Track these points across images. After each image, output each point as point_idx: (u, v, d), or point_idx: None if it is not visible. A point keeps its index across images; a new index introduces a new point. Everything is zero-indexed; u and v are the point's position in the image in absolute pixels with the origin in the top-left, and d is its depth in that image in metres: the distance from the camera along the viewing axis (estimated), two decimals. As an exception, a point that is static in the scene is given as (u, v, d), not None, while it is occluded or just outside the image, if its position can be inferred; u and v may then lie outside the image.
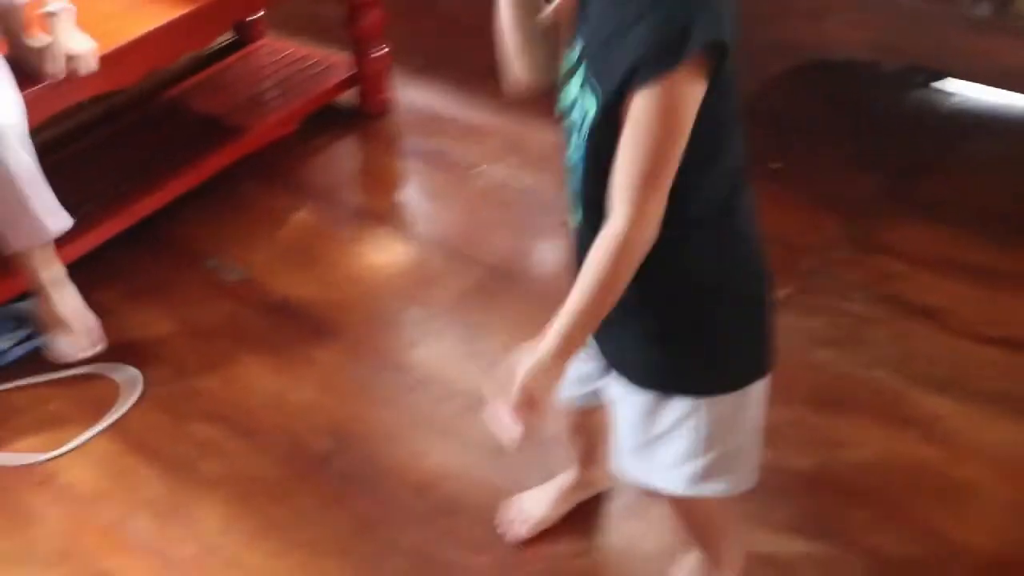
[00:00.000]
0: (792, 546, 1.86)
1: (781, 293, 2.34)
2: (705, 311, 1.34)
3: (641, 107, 1.13)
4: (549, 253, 2.54)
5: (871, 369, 2.18)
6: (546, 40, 1.31)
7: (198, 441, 2.10)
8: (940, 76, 2.96)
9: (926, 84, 2.97)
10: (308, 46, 3.15)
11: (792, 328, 2.27)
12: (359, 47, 2.95)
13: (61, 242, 2.26)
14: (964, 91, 2.89)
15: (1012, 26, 2.39)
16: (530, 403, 1.24)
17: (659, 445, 1.44)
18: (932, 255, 2.44)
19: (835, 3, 2.53)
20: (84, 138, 2.76)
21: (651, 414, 1.42)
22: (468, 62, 3.20)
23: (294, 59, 3.09)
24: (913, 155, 2.74)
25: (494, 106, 3.00)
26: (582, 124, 1.23)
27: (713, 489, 1.46)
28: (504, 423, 1.25)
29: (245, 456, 2.07)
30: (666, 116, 1.13)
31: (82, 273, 2.33)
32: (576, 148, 1.26)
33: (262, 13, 3.13)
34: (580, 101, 1.24)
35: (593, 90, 1.20)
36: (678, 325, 1.34)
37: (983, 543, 1.84)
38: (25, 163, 2.13)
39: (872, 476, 1.97)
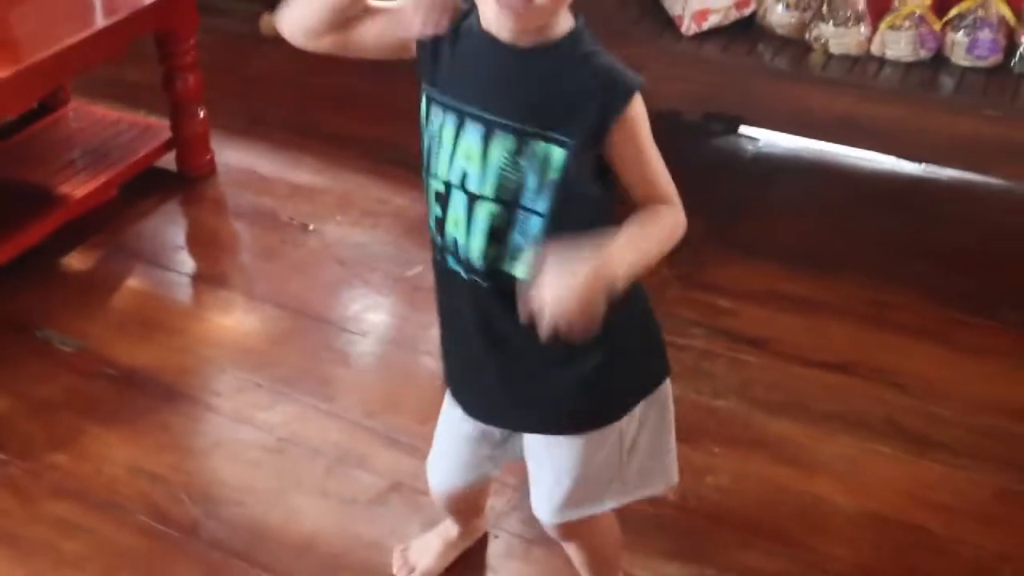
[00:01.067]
0: (668, 571, 1.93)
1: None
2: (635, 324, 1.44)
3: (632, 132, 1.27)
4: (393, 307, 2.56)
5: (716, 399, 2.29)
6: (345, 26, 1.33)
7: (55, 520, 1.99)
8: (737, 124, 3.17)
9: (727, 132, 3.18)
10: (119, 111, 3.06)
11: (637, 365, 2.37)
12: (176, 110, 2.89)
13: None
14: (765, 137, 3.10)
15: (807, 76, 2.58)
16: (584, 300, 1.19)
17: (626, 462, 1.51)
18: (755, 290, 2.59)
19: (650, 59, 2.67)
20: None
21: (602, 444, 1.47)
22: (285, 121, 3.20)
23: (105, 124, 3.00)
24: (726, 199, 2.91)
25: (319, 165, 3.01)
26: (530, 180, 1.27)
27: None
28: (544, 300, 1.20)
29: (108, 531, 1.97)
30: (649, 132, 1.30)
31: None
32: (532, 201, 1.28)
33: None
34: (509, 164, 1.27)
35: (554, 144, 1.25)
36: (620, 350, 1.40)
37: (843, 553, 1.96)
38: None
39: (734, 498, 2.07)
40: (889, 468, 2.14)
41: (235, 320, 2.52)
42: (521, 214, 1.29)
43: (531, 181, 1.27)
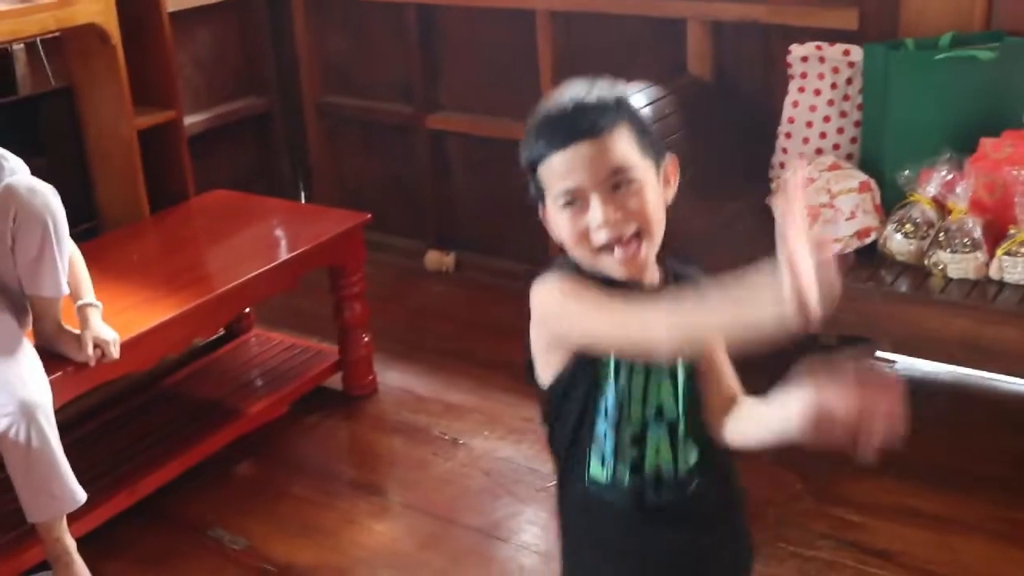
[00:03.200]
0: None
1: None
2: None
3: None
4: (534, 515, 2.69)
5: (841, 610, 2.32)
6: None
7: None
8: (873, 348, 3.26)
9: (864, 355, 3.27)
10: (294, 336, 3.38)
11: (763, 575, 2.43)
12: (344, 336, 3.18)
13: (73, 517, 2.38)
14: (901, 361, 3.19)
15: (927, 299, 2.68)
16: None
17: None
18: (885, 504, 2.64)
19: (776, 283, 2.82)
20: (91, 421, 2.91)
21: None
22: (442, 347, 3.46)
23: (282, 348, 3.31)
24: (858, 417, 2.99)
25: (471, 386, 3.23)
26: (678, 390, 1.46)
27: None
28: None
29: None
30: None
31: (92, 547, 2.45)
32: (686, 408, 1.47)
33: (250, 309, 3.38)
34: (681, 386, 1.46)
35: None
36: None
37: None
38: (51, 440, 2.28)
39: None
40: None
41: (387, 525, 2.70)
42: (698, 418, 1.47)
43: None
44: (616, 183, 1.37)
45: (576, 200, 1.38)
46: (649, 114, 1.51)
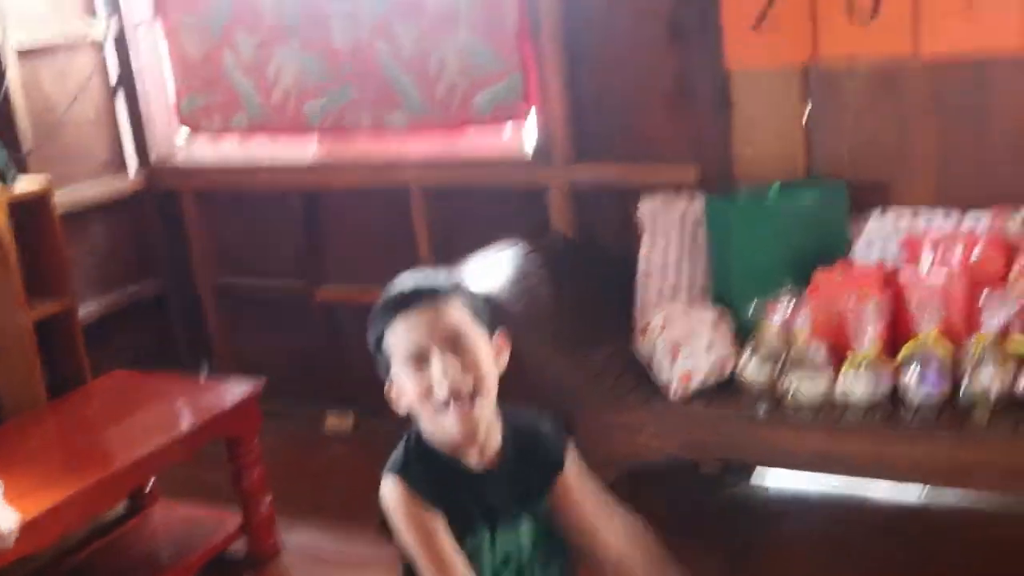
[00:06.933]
0: None
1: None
2: None
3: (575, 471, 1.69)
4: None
5: None
6: None
7: None
8: (749, 473, 3.32)
9: (740, 481, 3.33)
10: (198, 506, 3.32)
11: None
12: (245, 502, 3.13)
13: None
14: (775, 483, 3.26)
15: (782, 421, 2.76)
16: None
17: None
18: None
19: (645, 418, 2.88)
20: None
21: None
22: (344, 505, 3.43)
23: (186, 518, 3.25)
24: (741, 538, 3.05)
25: (370, 538, 3.18)
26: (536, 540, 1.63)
27: None
28: None
29: None
30: None
31: None
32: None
33: (153, 483, 3.31)
34: (527, 534, 1.62)
35: (532, 507, 1.62)
36: None
37: None
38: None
39: None
40: None
41: None
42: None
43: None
44: (454, 344, 1.53)
45: (419, 357, 1.53)
46: (481, 296, 1.69)
